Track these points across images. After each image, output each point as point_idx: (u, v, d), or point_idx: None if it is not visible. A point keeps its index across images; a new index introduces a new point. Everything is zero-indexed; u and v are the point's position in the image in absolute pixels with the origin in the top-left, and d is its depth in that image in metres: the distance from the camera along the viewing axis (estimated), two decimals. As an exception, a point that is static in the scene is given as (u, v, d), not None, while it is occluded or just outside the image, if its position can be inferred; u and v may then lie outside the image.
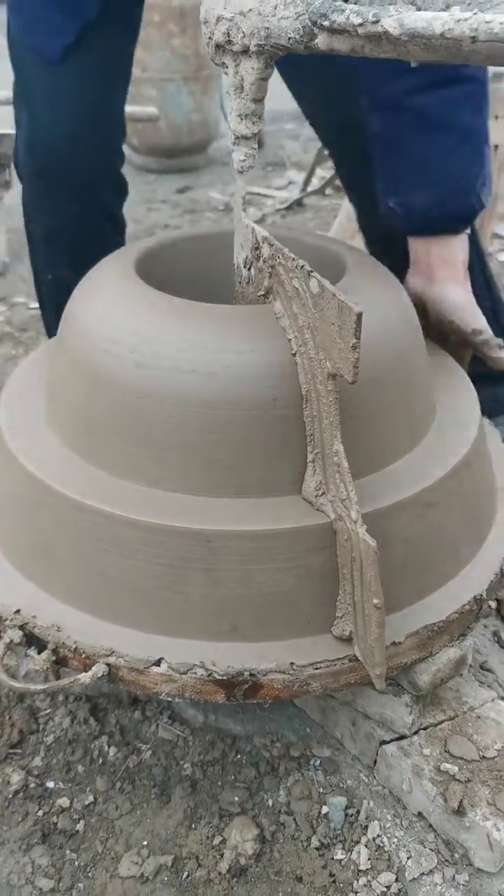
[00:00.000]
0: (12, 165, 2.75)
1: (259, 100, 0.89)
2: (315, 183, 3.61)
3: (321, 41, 0.76)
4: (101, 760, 1.04)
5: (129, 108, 3.71)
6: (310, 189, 3.57)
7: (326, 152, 1.37)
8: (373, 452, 0.92)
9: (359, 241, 2.78)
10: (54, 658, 0.89)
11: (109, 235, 1.44)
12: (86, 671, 0.87)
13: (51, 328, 1.52)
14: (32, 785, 1.01)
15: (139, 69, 3.81)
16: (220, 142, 4.22)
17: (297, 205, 3.50)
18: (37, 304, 2.57)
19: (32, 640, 0.90)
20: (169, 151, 3.97)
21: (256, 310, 0.93)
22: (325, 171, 3.68)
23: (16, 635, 0.90)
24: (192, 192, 3.78)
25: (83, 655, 0.87)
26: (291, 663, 0.85)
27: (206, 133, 4.04)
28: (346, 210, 2.85)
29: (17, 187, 2.88)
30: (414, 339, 0.99)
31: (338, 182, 3.60)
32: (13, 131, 2.64)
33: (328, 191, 3.61)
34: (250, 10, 0.81)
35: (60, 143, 1.28)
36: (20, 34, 1.25)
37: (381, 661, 0.81)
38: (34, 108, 1.29)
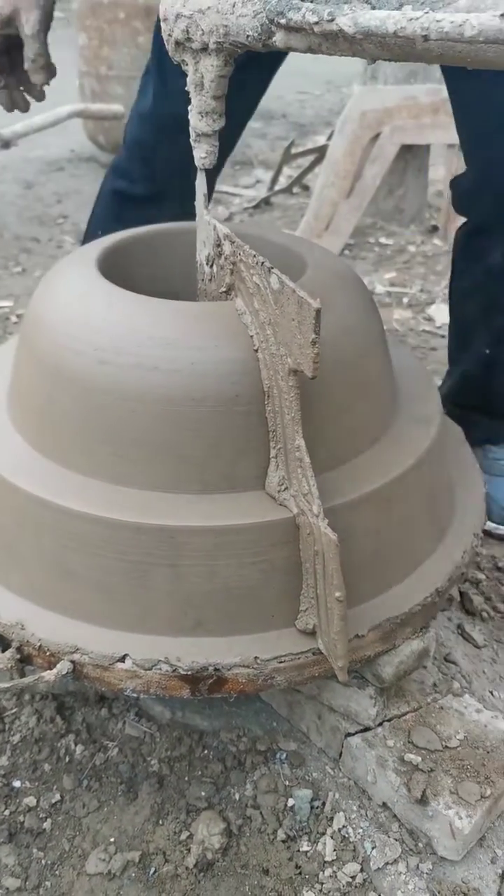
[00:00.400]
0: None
1: (219, 97, 0.89)
2: (282, 182, 3.63)
3: (279, 39, 0.76)
4: (67, 759, 1.04)
5: (95, 106, 3.72)
6: (277, 188, 3.58)
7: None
8: (336, 447, 0.93)
9: (325, 240, 2.80)
10: (18, 656, 0.89)
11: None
12: (50, 669, 0.87)
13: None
14: (-2, 784, 1.01)
15: (105, 66, 3.80)
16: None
17: (265, 203, 3.51)
18: (3, 303, 2.56)
19: (-4, 639, 0.90)
20: (136, 150, 3.95)
21: (218, 306, 0.94)
22: (292, 171, 3.69)
23: (-20, 635, 0.89)
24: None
25: (47, 653, 0.87)
26: (256, 657, 0.86)
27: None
28: (312, 209, 2.87)
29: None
30: (375, 335, 1.00)
31: (305, 181, 3.62)
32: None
33: (296, 189, 3.62)
34: (209, 7, 0.82)
35: (169, 123, 1.33)
36: None
37: (344, 654, 0.82)
38: (162, 86, 1.36)
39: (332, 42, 0.71)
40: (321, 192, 2.84)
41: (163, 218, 1.24)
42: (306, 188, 3.62)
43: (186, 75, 1.30)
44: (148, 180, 1.46)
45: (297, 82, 5.69)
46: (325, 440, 0.92)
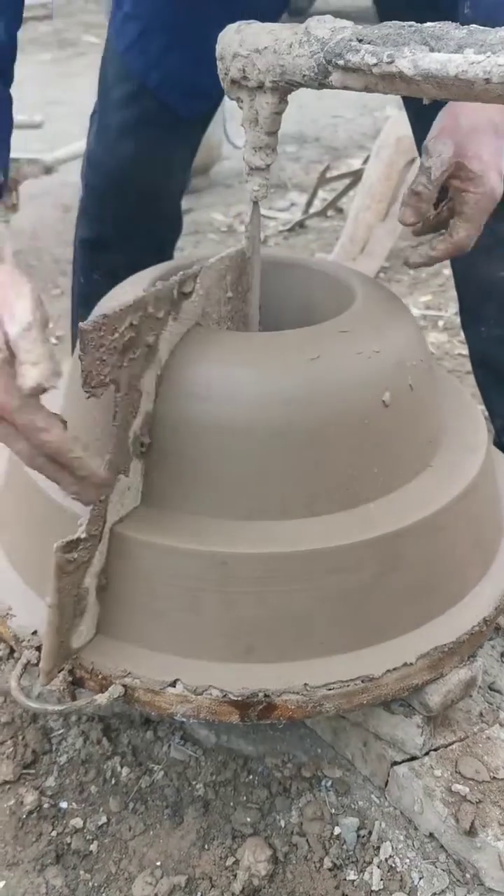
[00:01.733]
0: (19, 189, 2.78)
1: (273, 133, 0.91)
2: (317, 205, 3.65)
3: (335, 79, 0.78)
4: (113, 781, 1.05)
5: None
6: (312, 211, 3.60)
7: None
8: (384, 476, 0.94)
9: (360, 263, 2.81)
10: (70, 679, 0.90)
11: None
12: (102, 692, 0.88)
13: (74, 331, 1.57)
14: (46, 805, 1.02)
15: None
16: (223, 164, 4.27)
17: (299, 226, 3.53)
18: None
19: (49, 661, 0.91)
20: (172, 174, 4.00)
21: (268, 336, 0.96)
22: (327, 194, 3.72)
23: (32, 656, 0.91)
24: (195, 214, 3.81)
25: (99, 676, 0.89)
26: (305, 684, 0.86)
27: (208, 156, 4.08)
28: (348, 232, 2.89)
29: (24, 210, 2.91)
30: (423, 364, 1.01)
31: (339, 204, 3.65)
32: (22, 156, 2.67)
33: (330, 213, 3.64)
34: (266, 47, 0.84)
35: (123, 168, 1.35)
36: (153, 86, 1.25)
37: (46, 657, 0.84)
38: (110, 133, 1.34)
39: (389, 82, 0.73)
40: (357, 215, 2.86)
41: (132, 260, 1.17)
42: (340, 211, 3.64)
43: (123, 112, 1.31)
44: (110, 223, 1.44)
45: (330, 106, 5.75)
46: (375, 469, 0.93)
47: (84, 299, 1.50)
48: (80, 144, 3.06)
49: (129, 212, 1.40)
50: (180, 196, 1.49)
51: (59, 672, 0.88)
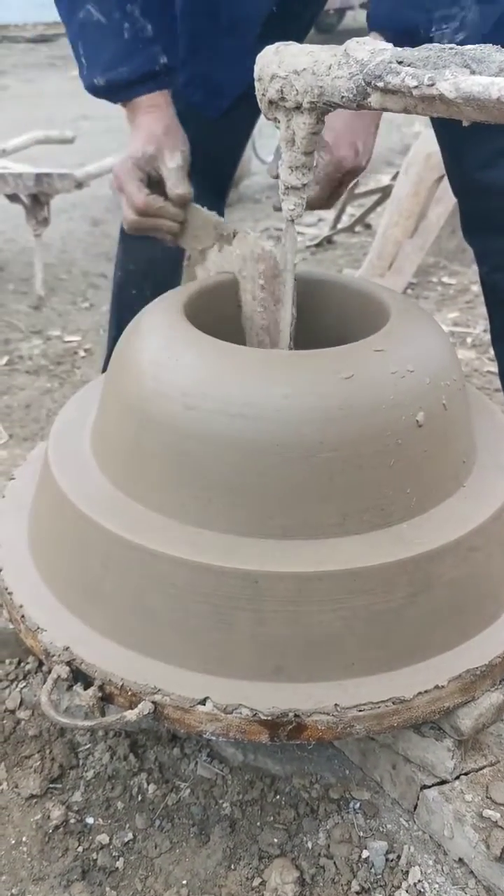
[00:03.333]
0: (50, 203, 2.81)
1: (309, 153, 0.92)
2: (345, 221, 3.66)
3: (374, 100, 0.78)
4: (140, 797, 1.05)
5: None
6: (340, 227, 3.61)
7: None
8: (417, 496, 0.93)
9: (388, 279, 2.81)
10: (100, 694, 0.90)
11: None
12: (131, 708, 0.88)
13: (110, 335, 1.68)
14: (72, 820, 1.02)
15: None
16: (252, 179, 4.30)
17: (327, 242, 3.54)
18: (72, 337, 2.62)
19: (79, 676, 0.91)
20: (201, 189, 4.03)
21: (302, 354, 0.96)
22: (355, 210, 3.73)
23: (63, 671, 0.91)
24: (224, 229, 3.84)
25: (129, 693, 0.89)
26: (336, 705, 0.86)
27: (237, 171, 4.11)
28: (376, 248, 2.89)
29: (54, 223, 2.94)
30: (457, 384, 1.00)
31: (367, 220, 3.65)
32: (54, 170, 2.71)
33: (358, 229, 3.65)
34: (304, 69, 0.84)
35: None
36: (181, 86, 1.31)
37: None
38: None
39: (429, 104, 0.73)
40: (385, 231, 2.87)
41: (162, 255, 1.35)
42: (368, 227, 3.65)
43: None
44: None
45: (357, 122, 5.77)
46: (408, 488, 0.92)
47: (119, 288, 1.60)
48: (110, 160, 3.09)
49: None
50: (222, 196, 1.55)
51: None
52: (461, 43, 0.84)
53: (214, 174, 1.44)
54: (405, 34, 1.01)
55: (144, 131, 1.13)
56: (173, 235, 1.17)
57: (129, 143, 1.15)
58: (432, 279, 3.12)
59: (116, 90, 1.16)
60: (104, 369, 1.64)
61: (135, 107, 1.16)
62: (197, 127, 1.27)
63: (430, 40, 1.00)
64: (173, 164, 1.12)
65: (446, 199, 2.84)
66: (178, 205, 1.14)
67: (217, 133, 1.37)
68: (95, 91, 1.17)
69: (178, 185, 1.12)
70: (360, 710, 0.86)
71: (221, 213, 1.53)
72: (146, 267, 1.53)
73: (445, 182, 2.81)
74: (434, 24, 1.01)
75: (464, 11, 1.00)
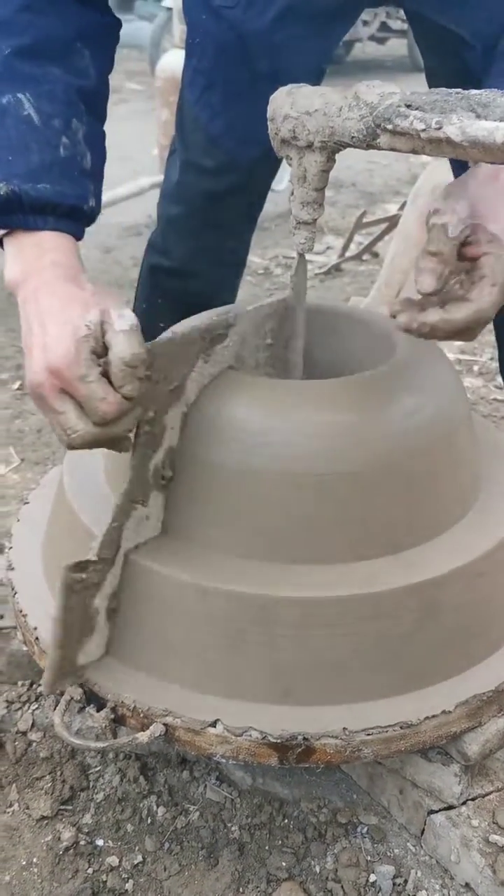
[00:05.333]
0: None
1: (320, 189, 0.95)
2: (353, 249, 3.70)
3: (383, 141, 0.81)
4: (149, 820, 1.06)
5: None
6: (348, 255, 3.65)
7: None
8: (423, 523, 0.95)
9: (397, 307, 2.84)
10: (113, 716, 0.91)
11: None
12: (143, 730, 0.89)
13: None
14: (82, 842, 1.03)
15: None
16: (266, 208, 4.35)
17: (336, 270, 3.58)
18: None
19: (92, 698, 0.93)
20: (211, 217, 4.09)
21: (312, 384, 0.98)
22: (363, 238, 3.77)
23: (76, 693, 0.93)
24: (233, 256, 3.89)
25: (141, 715, 0.90)
26: (344, 728, 0.87)
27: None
28: (383, 276, 2.92)
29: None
30: (463, 413, 1.03)
31: (375, 248, 3.70)
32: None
33: (366, 257, 3.69)
34: (316, 110, 0.88)
35: (197, 197, 1.41)
36: (216, 134, 1.31)
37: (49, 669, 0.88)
38: (187, 162, 1.39)
39: (436, 146, 0.76)
40: (393, 259, 2.90)
41: (199, 289, 1.35)
42: (376, 255, 3.69)
43: (206, 153, 1.34)
44: (182, 253, 1.49)
45: (365, 152, 5.85)
46: (414, 515, 0.94)
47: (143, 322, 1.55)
48: (123, 189, 3.15)
49: (208, 240, 1.46)
50: (247, 236, 1.55)
51: (62, 687, 0.92)
52: None
53: (251, 204, 1.47)
54: None
55: (62, 298, 0.83)
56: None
57: (40, 323, 0.82)
58: (439, 307, 3.14)
59: (24, 208, 0.88)
60: None
61: (31, 247, 0.89)
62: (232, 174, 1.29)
63: None
64: (125, 325, 0.79)
65: (453, 229, 2.89)
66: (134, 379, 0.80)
67: (246, 182, 1.38)
68: None
69: (134, 345, 0.79)
70: (369, 734, 0.87)
71: (249, 242, 1.57)
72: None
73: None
74: None
75: None
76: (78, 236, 0.94)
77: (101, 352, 0.79)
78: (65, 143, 0.91)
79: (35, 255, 0.89)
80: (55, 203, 0.89)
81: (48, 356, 0.80)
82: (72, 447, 0.83)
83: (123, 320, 0.79)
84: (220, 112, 1.31)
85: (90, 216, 0.95)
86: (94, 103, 0.97)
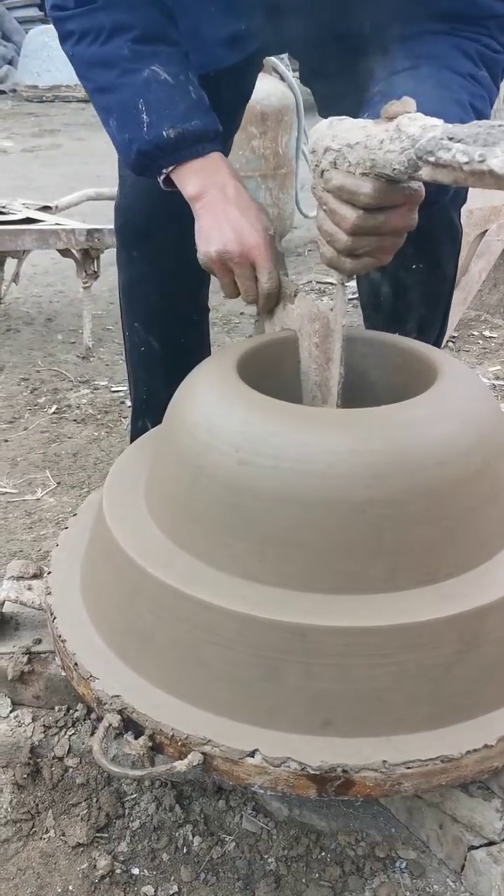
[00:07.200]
0: (100, 258, 2.90)
1: (360, 218, 0.95)
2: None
3: (425, 173, 0.82)
4: (185, 850, 1.05)
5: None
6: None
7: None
8: (464, 552, 0.95)
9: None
10: (150, 744, 0.91)
11: (188, 313, 1.53)
12: (181, 759, 0.89)
13: (129, 381, 1.66)
14: (118, 871, 1.03)
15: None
16: (294, 233, 4.38)
17: (369, 295, 3.59)
18: (119, 387, 2.68)
19: (129, 725, 0.93)
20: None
21: (351, 412, 0.98)
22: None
23: (115, 720, 0.93)
24: (266, 281, 3.91)
25: (179, 743, 0.90)
26: (384, 761, 0.86)
27: (281, 225, 4.20)
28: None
29: (102, 276, 3.03)
30: (502, 440, 1.02)
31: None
32: (104, 226, 2.80)
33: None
34: (357, 143, 0.89)
35: (147, 213, 1.41)
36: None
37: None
38: (127, 179, 1.42)
39: (479, 178, 0.76)
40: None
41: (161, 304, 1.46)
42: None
43: None
44: (143, 208, 1.45)
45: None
46: (455, 544, 0.93)
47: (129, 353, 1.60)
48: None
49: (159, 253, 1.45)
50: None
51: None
52: None
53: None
54: None
55: (249, 201, 1.16)
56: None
57: (237, 213, 1.14)
58: (474, 332, 3.13)
59: (186, 144, 1.14)
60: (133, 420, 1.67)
61: (203, 168, 1.15)
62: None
63: None
64: (267, 267, 1.15)
65: (488, 254, 2.88)
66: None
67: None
68: (160, 146, 1.14)
69: (269, 281, 1.16)
70: (409, 768, 0.86)
71: None
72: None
73: (487, 237, 2.86)
74: None
75: None
76: (225, 152, 1.21)
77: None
78: (192, 90, 1.16)
79: (210, 171, 1.17)
80: (206, 132, 1.15)
81: (245, 239, 1.14)
82: (247, 302, 1.20)
83: (267, 264, 1.16)
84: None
85: (222, 136, 1.20)
86: (189, 60, 1.20)
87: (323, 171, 0.94)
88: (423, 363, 1.08)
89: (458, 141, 0.77)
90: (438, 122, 0.82)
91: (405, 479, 0.90)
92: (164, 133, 1.13)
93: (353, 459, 0.91)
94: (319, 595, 0.91)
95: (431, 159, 0.78)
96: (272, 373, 1.16)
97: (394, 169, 0.85)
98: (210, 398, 1.01)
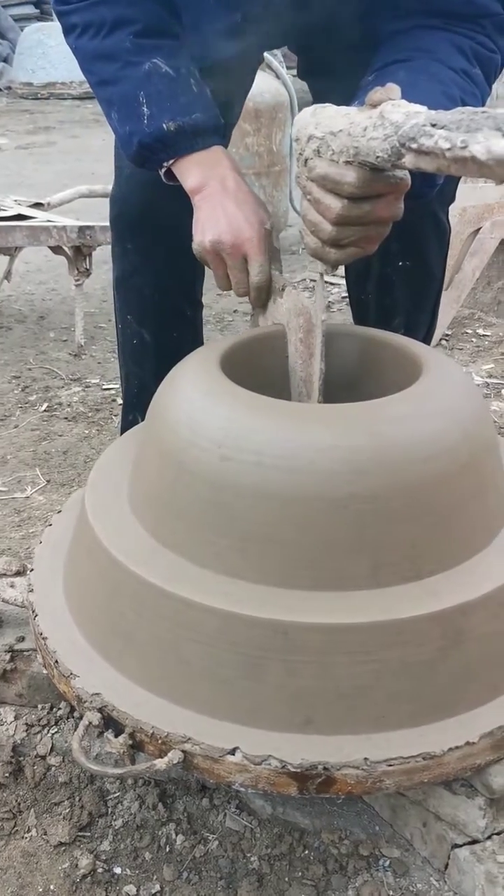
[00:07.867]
0: (92, 255, 2.89)
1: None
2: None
3: (408, 160, 0.81)
4: (168, 848, 1.04)
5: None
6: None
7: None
8: (448, 548, 0.93)
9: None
10: (131, 742, 0.90)
11: (181, 307, 1.51)
12: (161, 757, 0.88)
13: (121, 375, 1.66)
14: (100, 870, 1.02)
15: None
16: (289, 231, 4.37)
17: (363, 292, 3.58)
18: (110, 385, 2.67)
19: (110, 723, 0.92)
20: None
21: (334, 408, 0.97)
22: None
23: (94, 718, 0.92)
24: (260, 279, 3.90)
25: (159, 741, 0.89)
26: (365, 759, 0.85)
27: (275, 223, 4.18)
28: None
29: (95, 273, 3.02)
30: (489, 437, 1.01)
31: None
32: (96, 223, 2.79)
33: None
34: (340, 130, 0.87)
35: (136, 206, 1.40)
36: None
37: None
38: (123, 175, 1.42)
39: (462, 165, 0.75)
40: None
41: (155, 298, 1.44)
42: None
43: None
44: (138, 199, 1.44)
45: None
46: (439, 541, 0.92)
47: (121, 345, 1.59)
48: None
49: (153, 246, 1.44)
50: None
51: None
52: None
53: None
54: None
55: (249, 195, 1.15)
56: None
57: (234, 206, 1.13)
58: (467, 330, 3.12)
59: (187, 137, 1.13)
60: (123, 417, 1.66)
61: (203, 161, 1.14)
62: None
63: None
64: (258, 260, 1.14)
65: (482, 252, 2.87)
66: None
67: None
68: (161, 139, 1.13)
69: (260, 274, 1.15)
70: (390, 765, 0.85)
71: None
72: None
73: (481, 235, 2.85)
74: None
75: None
76: (225, 145, 1.20)
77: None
78: (194, 83, 1.16)
79: (210, 164, 1.16)
80: (207, 125, 1.15)
81: (239, 230, 1.13)
82: (238, 294, 1.19)
83: (260, 255, 1.14)
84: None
85: (223, 129, 1.20)
86: (190, 53, 1.20)
87: (307, 160, 0.92)
88: (408, 359, 1.07)
89: (442, 127, 0.75)
90: (422, 108, 0.81)
91: (388, 475, 0.89)
92: (165, 126, 1.12)
93: (334, 455, 0.89)
94: (301, 592, 0.90)
95: (414, 146, 0.77)
96: (259, 368, 1.15)
97: (377, 156, 0.83)
98: (192, 394, 1.00)
